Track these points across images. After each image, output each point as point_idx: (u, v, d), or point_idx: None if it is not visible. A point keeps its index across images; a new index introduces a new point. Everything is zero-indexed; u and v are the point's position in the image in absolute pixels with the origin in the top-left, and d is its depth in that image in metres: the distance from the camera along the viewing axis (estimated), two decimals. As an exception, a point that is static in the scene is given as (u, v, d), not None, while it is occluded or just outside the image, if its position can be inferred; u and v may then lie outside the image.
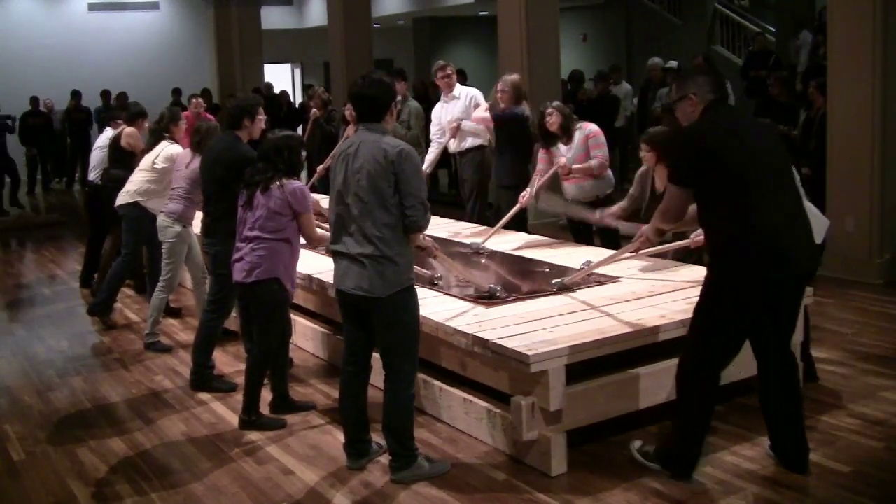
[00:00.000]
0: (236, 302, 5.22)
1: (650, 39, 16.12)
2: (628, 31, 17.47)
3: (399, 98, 8.12)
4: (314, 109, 9.23)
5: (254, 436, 4.52)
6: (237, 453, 4.35)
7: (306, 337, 5.85)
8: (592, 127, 6.21)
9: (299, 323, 5.86)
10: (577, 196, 6.23)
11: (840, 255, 7.18)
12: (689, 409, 3.81)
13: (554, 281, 4.90)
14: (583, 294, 4.76)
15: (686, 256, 5.26)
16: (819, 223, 4.92)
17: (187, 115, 8.25)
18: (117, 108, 9.93)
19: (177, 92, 15.85)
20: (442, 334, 4.30)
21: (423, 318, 4.26)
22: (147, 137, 6.88)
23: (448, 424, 4.48)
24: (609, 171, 6.28)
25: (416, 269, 4.91)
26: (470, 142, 7.55)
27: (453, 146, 7.70)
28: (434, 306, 4.60)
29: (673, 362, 3.92)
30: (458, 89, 7.77)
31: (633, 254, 4.78)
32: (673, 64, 11.37)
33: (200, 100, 11.04)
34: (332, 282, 4.04)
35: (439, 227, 6.81)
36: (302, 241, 4.62)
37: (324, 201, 5.05)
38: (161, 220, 5.90)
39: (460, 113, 7.60)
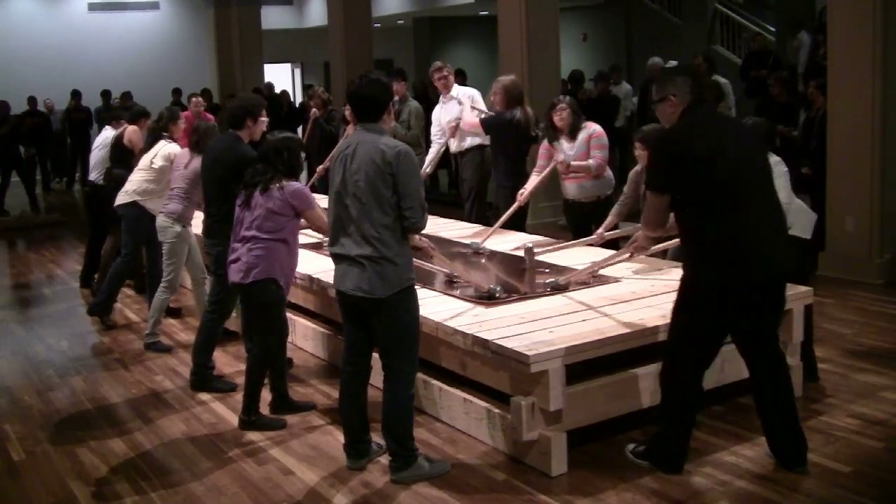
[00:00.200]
0: (237, 302, 5.22)
1: (650, 39, 16.11)
2: (628, 31, 17.47)
3: (398, 98, 8.14)
4: (314, 109, 9.23)
5: (254, 436, 4.52)
6: (237, 453, 4.35)
7: (306, 337, 5.85)
8: (597, 128, 6.21)
9: (299, 323, 5.87)
10: (578, 196, 6.24)
11: (840, 255, 7.18)
12: (672, 407, 3.86)
13: (547, 281, 4.90)
14: (583, 294, 4.76)
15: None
16: (806, 218, 4.95)
17: (187, 114, 8.25)
18: (118, 107, 9.92)
19: (177, 92, 15.85)
20: (442, 334, 4.31)
21: (423, 318, 4.27)
22: (146, 137, 6.88)
23: (448, 424, 4.48)
24: (609, 172, 6.29)
25: (432, 266, 4.95)
26: (469, 141, 7.54)
27: (454, 146, 7.71)
28: (434, 306, 4.60)
29: (673, 362, 3.93)
30: (456, 90, 7.78)
31: (629, 257, 4.79)
32: (673, 64, 11.36)
33: (200, 99, 11.04)
34: (332, 282, 4.04)
35: (439, 227, 6.81)
36: (301, 241, 4.62)
37: (323, 201, 5.05)
38: (161, 220, 5.90)
39: (458, 113, 7.61)
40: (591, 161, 6.08)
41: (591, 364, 4.04)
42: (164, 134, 6.51)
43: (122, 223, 6.62)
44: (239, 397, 4.81)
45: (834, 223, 7.23)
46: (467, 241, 6.19)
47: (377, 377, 4.03)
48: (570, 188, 6.25)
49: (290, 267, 4.59)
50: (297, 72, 23.70)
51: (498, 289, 4.75)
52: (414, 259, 3.96)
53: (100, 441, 4.60)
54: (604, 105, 11.33)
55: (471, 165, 7.56)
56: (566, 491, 3.79)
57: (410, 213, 3.73)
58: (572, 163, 6.07)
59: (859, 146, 7.04)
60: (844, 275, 7.06)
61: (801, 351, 4.77)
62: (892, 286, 6.95)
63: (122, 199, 6.53)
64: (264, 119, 5.10)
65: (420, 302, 3.99)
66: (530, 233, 6.80)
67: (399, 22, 20.81)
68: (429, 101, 11.08)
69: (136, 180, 6.48)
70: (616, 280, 5.02)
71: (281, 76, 21.58)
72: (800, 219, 4.92)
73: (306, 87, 19.44)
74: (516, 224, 6.60)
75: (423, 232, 4.00)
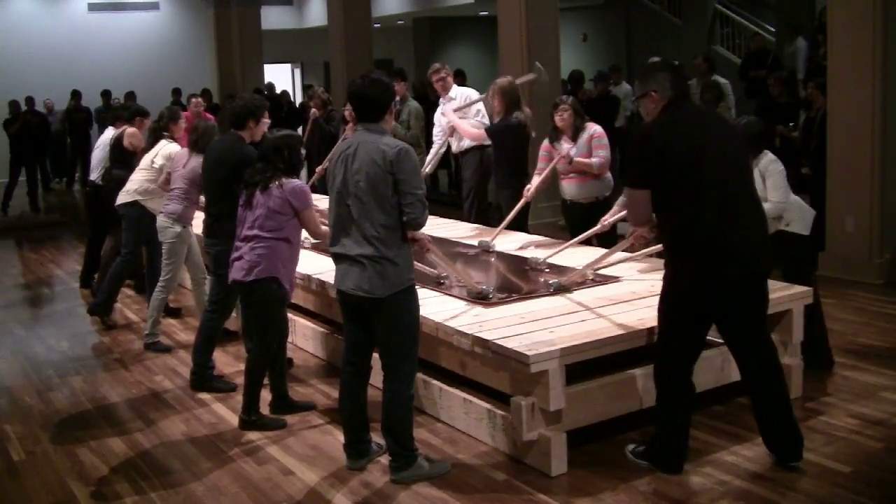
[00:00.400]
0: (237, 302, 5.22)
1: (650, 39, 16.12)
2: (628, 31, 17.46)
3: (398, 98, 8.13)
4: (314, 109, 9.23)
5: (254, 436, 4.52)
6: (237, 453, 4.35)
7: (306, 337, 5.85)
8: (597, 128, 6.21)
9: (299, 323, 5.87)
10: (577, 196, 6.23)
11: (840, 255, 7.18)
12: (666, 405, 3.89)
13: (551, 282, 4.90)
14: (583, 294, 4.76)
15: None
16: (804, 215, 4.96)
17: (187, 115, 8.25)
18: (118, 108, 9.91)
19: (177, 92, 15.85)
20: (442, 334, 4.30)
21: (423, 318, 4.27)
22: (147, 136, 6.88)
23: (448, 424, 4.48)
24: (609, 173, 6.28)
25: (422, 267, 4.94)
26: (468, 142, 7.54)
27: (454, 146, 7.73)
28: (434, 306, 4.60)
29: (673, 362, 3.93)
30: (455, 90, 7.78)
31: (628, 251, 4.79)
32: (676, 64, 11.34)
33: (200, 99, 11.04)
34: (332, 282, 4.04)
35: (439, 227, 6.81)
36: (304, 240, 4.62)
37: (323, 201, 5.04)
38: (161, 220, 5.90)
39: (454, 115, 7.62)
40: (594, 159, 6.07)
41: (591, 364, 4.05)
42: (165, 134, 6.52)
43: (123, 223, 6.63)
44: (239, 397, 4.81)
45: (834, 223, 7.23)
46: (472, 242, 6.18)
47: (377, 377, 4.02)
48: (569, 188, 6.24)
49: (292, 265, 4.59)
50: (297, 72, 23.70)
51: (491, 290, 4.75)
52: (413, 259, 3.96)
53: (100, 441, 4.60)
54: (604, 105, 11.34)
55: (471, 165, 7.56)
56: (566, 491, 3.79)
57: (411, 210, 3.74)
58: (576, 159, 6.06)
59: (859, 146, 7.04)
60: (844, 275, 7.06)
61: (811, 345, 4.78)
62: (892, 286, 6.95)
63: (122, 198, 6.53)
64: (266, 121, 5.10)
65: (420, 302, 3.99)
66: (531, 233, 6.79)
67: (399, 22, 20.81)
68: (428, 101, 11.08)
69: (138, 180, 6.48)
70: (616, 280, 5.02)
71: (281, 76, 21.58)
72: (798, 216, 4.93)
73: (306, 88, 19.43)
74: (518, 224, 6.60)
75: (425, 231, 4.00)
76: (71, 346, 6.41)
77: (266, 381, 4.68)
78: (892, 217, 7.09)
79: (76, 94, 16.22)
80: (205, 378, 5.25)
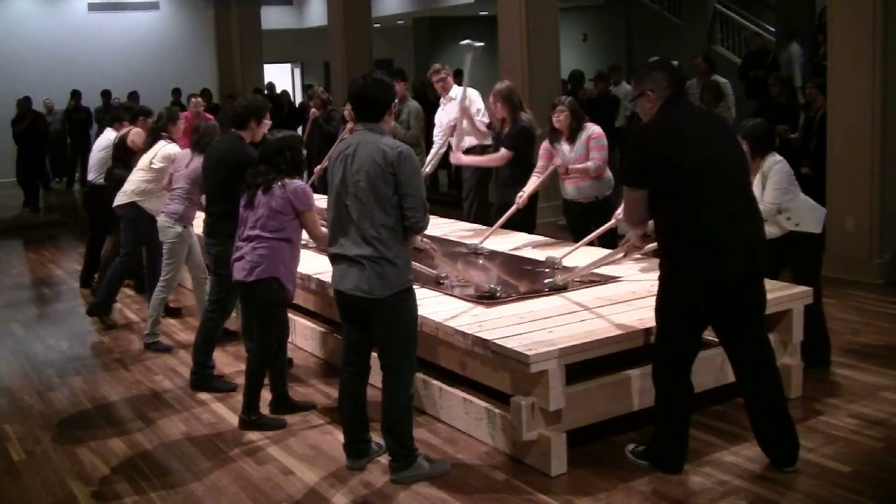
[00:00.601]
0: (237, 302, 5.22)
1: (650, 39, 16.12)
2: (628, 31, 17.46)
3: (398, 98, 8.13)
4: (314, 109, 9.23)
5: (254, 436, 4.52)
6: (237, 453, 4.35)
7: (306, 337, 5.85)
8: (596, 129, 6.20)
9: (299, 323, 5.87)
10: (576, 196, 6.24)
11: (840, 255, 7.18)
12: (665, 405, 3.89)
13: (546, 281, 4.90)
14: (583, 294, 4.76)
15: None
16: (815, 214, 4.95)
17: (186, 115, 8.25)
18: (118, 108, 9.90)
19: (176, 92, 15.85)
20: (442, 334, 4.30)
21: (423, 318, 4.27)
22: (146, 137, 6.87)
23: (448, 424, 4.48)
24: (608, 173, 6.28)
25: (422, 268, 4.94)
26: (469, 141, 7.54)
27: (456, 147, 7.72)
28: (434, 306, 4.60)
29: (673, 362, 3.93)
30: (455, 90, 7.78)
31: (623, 256, 4.80)
32: (673, 64, 11.32)
33: (199, 99, 11.04)
34: (331, 282, 4.03)
35: (439, 227, 6.81)
36: (304, 240, 4.62)
37: (323, 201, 5.04)
38: (162, 220, 5.90)
39: (457, 114, 7.61)
40: (589, 163, 6.07)
41: (590, 364, 4.05)
42: (164, 134, 6.51)
43: (121, 223, 6.63)
44: (239, 397, 4.81)
45: (834, 223, 7.23)
46: (467, 242, 6.19)
47: (377, 377, 4.02)
48: (570, 188, 6.25)
49: (294, 266, 4.59)
50: (297, 72, 23.70)
51: (499, 288, 4.75)
52: (413, 261, 3.96)
53: (100, 441, 4.60)
54: (604, 105, 11.33)
55: (471, 166, 7.55)
56: (566, 491, 3.79)
57: (412, 214, 3.74)
58: (571, 166, 6.07)
59: (859, 146, 7.04)
60: (844, 275, 7.06)
61: (812, 344, 4.78)
62: (892, 286, 6.95)
63: (120, 199, 6.53)
64: (268, 122, 5.10)
65: (420, 302, 3.99)
66: (530, 233, 6.79)
67: (399, 22, 20.82)
68: (428, 101, 11.08)
69: (135, 180, 6.48)
70: (616, 280, 5.02)
71: (281, 76, 21.58)
72: (807, 215, 4.92)
73: (306, 87, 19.43)
74: (526, 225, 6.61)
75: (425, 231, 4.00)
76: (71, 346, 6.41)
77: (266, 381, 4.68)
78: (892, 217, 7.09)
79: (76, 94, 16.22)
80: (205, 378, 5.25)
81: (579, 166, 6.06)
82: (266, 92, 16.33)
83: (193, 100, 10.82)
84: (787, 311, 4.56)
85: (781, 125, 8.65)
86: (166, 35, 19.65)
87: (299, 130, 13.12)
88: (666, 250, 3.79)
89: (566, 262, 5.35)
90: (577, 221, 6.30)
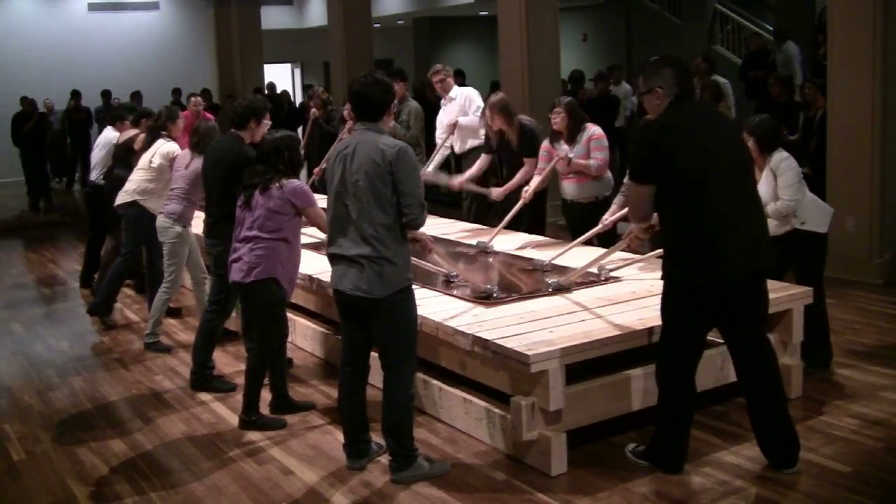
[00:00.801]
0: (237, 302, 5.22)
1: (650, 39, 16.12)
2: (628, 31, 17.46)
3: (397, 99, 8.13)
4: (314, 109, 9.23)
5: (254, 436, 4.52)
6: (237, 453, 4.35)
7: (306, 337, 5.85)
8: (596, 129, 6.19)
9: (299, 323, 5.87)
10: (576, 196, 6.24)
11: (840, 255, 7.17)
12: (667, 405, 3.89)
13: (550, 281, 4.90)
14: (583, 294, 4.76)
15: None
16: (821, 213, 4.95)
17: (186, 114, 8.24)
18: (118, 108, 9.89)
19: (176, 92, 15.84)
20: (442, 334, 4.30)
21: (422, 318, 4.27)
22: (145, 136, 6.87)
23: (448, 424, 4.48)
24: (608, 173, 6.28)
25: (432, 267, 4.95)
26: (471, 143, 7.55)
27: (456, 147, 7.74)
28: (434, 306, 4.60)
29: (673, 362, 3.92)
30: (455, 90, 7.78)
31: (626, 247, 4.80)
32: (682, 61, 11.28)
33: (199, 99, 11.02)
34: (330, 282, 4.03)
35: (439, 227, 6.81)
36: (303, 241, 4.62)
37: (322, 202, 5.04)
38: (161, 220, 5.90)
39: (457, 114, 7.63)
40: (591, 161, 6.07)
41: (590, 364, 4.04)
42: (163, 133, 6.51)
43: (122, 223, 6.62)
44: (239, 397, 4.81)
45: (834, 223, 7.18)
46: (471, 241, 6.19)
47: (377, 377, 4.03)
48: (569, 188, 6.25)
49: (292, 266, 4.59)
50: (297, 72, 23.70)
51: (495, 289, 4.75)
52: (412, 259, 3.96)
53: (100, 441, 4.60)
54: (604, 105, 11.34)
55: (471, 166, 7.55)
56: (566, 491, 3.79)
57: (409, 211, 3.75)
58: (574, 160, 6.06)
59: (859, 146, 7.03)
60: (844, 275, 7.06)
61: (812, 344, 4.78)
62: (892, 286, 6.95)
63: (121, 198, 6.53)
64: (268, 122, 5.10)
65: (420, 302, 4.00)
66: (530, 233, 6.79)
67: (399, 22, 20.82)
68: (428, 101, 11.07)
69: (136, 180, 6.48)
70: (616, 280, 5.02)
71: (281, 76, 21.58)
72: (814, 213, 4.92)
73: (306, 87, 19.43)
74: (535, 225, 6.63)
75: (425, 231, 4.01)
76: (71, 346, 6.41)
77: (266, 381, 4.68)
78: (892, 217, 7.09)
79: (76, 94, 16.22)
80: (205, 378, 5.25)
81: (581, 161, 6.06)
82: (266, 92, 16.32)
83: (193, 99, 10.80)
84: (787, 311, 4.56)
85: (781, 125, 8.65)
86: (166, 35, 19.65)
87: (299, 130, 13.15)
88: (671, 250, 3.78)
89: (561, 262, 5.35)
90: (576, 221, 6.30)
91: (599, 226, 5.49)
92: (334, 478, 4.02)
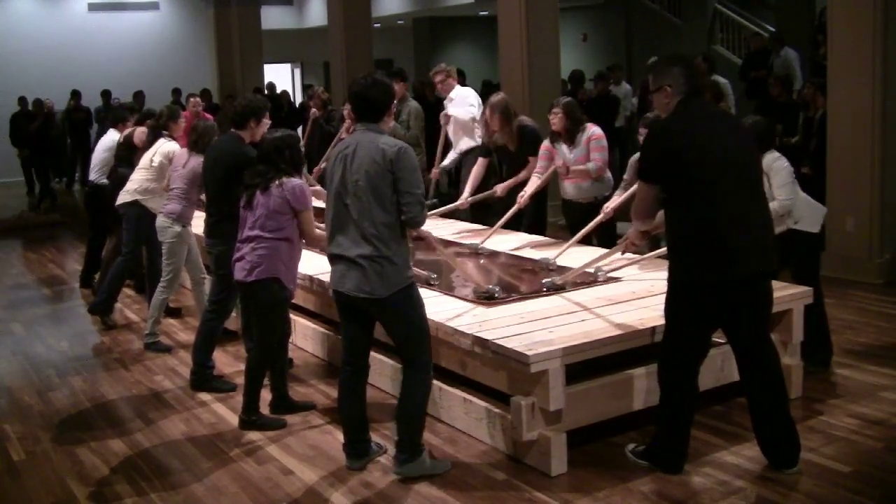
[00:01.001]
0: (237, 302, 5.22)
1: (650, 39, 16.12)
2: (628, 31, 17.47)
3: (397, 99, 8.14)
4: (314, 109, 9.23)
5: (254, 436, 4.52)
6: (237, 453, 4.35)
7: (306, 337, 5.85)
8: (596, 129, 6.19)
9: (299, 323, 5.87)
10: (576, 196, 6.24)
11: (840, 255, 7.18)
12: (668, 405, 3.88)
13: (544, 281, 4.90)
14: (583, 294, 4.76)
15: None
16: (814, 212, 4.95)
17: (186, 114, 8.23)
18: (118, 108, 9.88)
19: (176, 92, 15.83)
20: (442, 334, 4.30)
21: (423, 318, 4.27)
22: (147, 135, 6.87)
23: (448, 424, 4.48)
24: (608, 174, 6.28)
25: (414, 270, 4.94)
26: (465, 144, 7.57)
27: (453, 148, 7.76)
28: (434, 306, 4.59)
29: (673, 362, 3.92)
30: (455, 91, 7.79)
31: (622, 254, 4.81)
32: (693, 60, 11.27)
33: (198, 99, 11.02)
34: (330, 282, 4.03)
35: (439, 226, 6.80)
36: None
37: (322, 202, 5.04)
38: (160, 220, 5.90)
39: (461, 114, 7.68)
40: (590, 164, 6.07)
41: (590, 364, 4.04)
42: (164, 132, 6.52)
43: (123, 222, 6.63)
44: (239, 397, 4.81)
45: (834, 223, 7.23)
46: (467, 242, 6.20)
47: (376, 377, 4.03)
48: (569, 188, 6.25)
49: (294, 265, 4.59)
50: (297, 72, 23.70)
51: (497, 289, 4.75)
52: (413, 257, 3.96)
53: (100, 441, 4.60)
54: (604, 105, 11.33)
55: (468, 167, 7.57)
56: (566, 491, 3.79)
57: (409, 209, 3.76)
58: (572, 167, 6.07)
59: (859, 146, 7.04)
60: (844, 275, 7.06)
61: (812, 344, 4.78)
62: (892, 286, 6.95)
63: (123, 198, 6.53)
64: (267, 122, 5.10)
65: (420, 300, 3.99)
66: (530, 233, 6.79)
67: (399, 22, 20.82)
68: (427, 101, 11.08)
69: (137, 179, 6.48)
70: (616, 280, 5.02)
71: (281, 76, 21.58)
72: (807, 213, 4.92)
73: (306, 87, 19.43)
74: (536, 226, 6.63)
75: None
76: (71, 346, 6.41)
77: (266, 381, 4.68)
78: (892, 217, 7.09)
79: (76, 94, 16.22)
80: (205, 378, 5.25)
81: (580, 167, 6.07)
82: (266, 92, 16.31)
83: (192, 99, 10.80)
84: (787, 311, 4.56)
85: (780, 125, 8.65)
86: (166, 35, 19.64)
87: (299, 130, 13.14)
88: (677, 250, 3.76)
89: (560, 262, 5.35)
90: (576, 221, 6.30)
91: (601, 215, 5.52)
92: (334, 478, 4.02)
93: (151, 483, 4.08)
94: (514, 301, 4.67)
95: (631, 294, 4.71)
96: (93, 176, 7.81)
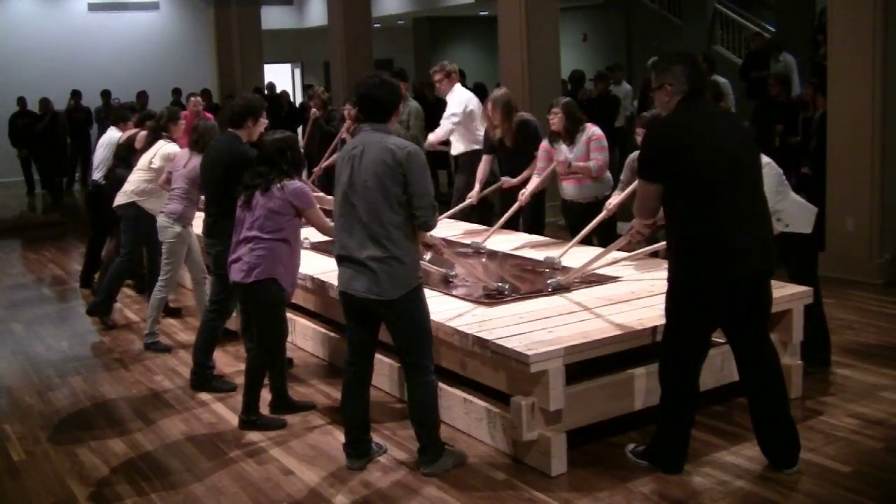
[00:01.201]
0: (237, 302, 5.22)
1: (650, 39, 16.12)
2: (628, 31, 17.47)
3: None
4: (314, 110, 9.24)
5: (254, 436, 4.52)
6: (237, 453, 4.35)
7: (306, 337, 5.85)
8: (595, 130, 6.19)
9: (299, 323, 5.87)
10: (576, 196, 6.24)
11: (840, 255, 7.18)
12: (669, 405, 3.88)
13: (549, 281, 4.90)
14: (582, 294, 4.76)
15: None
16: (804, 214, 4.94)
17: (186, 114, 8.23)
18: (118, 107, 9.88)
19: (176, 92, 15.83)
20: (442, 334, 4.30)
21: (423, 318, 4.27)
22: (146, 136, 6.87)
23: (448, 424, 4.47)
24: (608, 174, 6.28)
25: (429, 266, 4.96)
26: (465, 145, 7.58)
27: (453, 150, 7.77)
28: (434, 306, 4.57)
29: (673, 362, 3.92)
30: (451, 94, 7.77)
31: (625, 250, 4.80)
32: (696, 58, 11.24)
33: (199, 99, 11.01)
34: (332, 282, 4.04)
35: (439, 227, 6.77)
36: (312, 241, 4.62)
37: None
38: (161, 220, 5.90)
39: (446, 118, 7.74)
40: (591, 163, 6.07)
41: (590, 364, 4.04)
42: (164, 134, 6.51)
43: (121, 223, 6.63)
44: (239, 397, 4.81)
45: (834, 223, 7.23)
46: (468, 241, 6.20)
47: (379, 378, 4.03)
48: (569, 189, 6.25)
49: (293, 266, 4.59)
50: (297, 72, 23.70)
51: (506, 287, 4.75)
52: (421, 260, 3.96)
53: (100, 441, 4.60)
54: (604, 105, 11.34)
55: (463, 169, 7.58)
56: (566, 491, 3.79)
57: (421, 213, 3.76)
58: (573, 163, 6.07)
59: (859, 146, 7.03)
60: (844, 275, 7.06)
61: (812, 344, 4.78)
62: (892, 286, 6.95)
63: (120, 199, 6.53)
64: (264, 121, 5.11)
65: (421, 300, 3.99)
66: (530, 232, 6.80)
67: (399, 22, 20.82)
68: (427, 101, 11.08)
69: (135, 180, 6.48)
70: (615, 280, 5.02)
71: (281, 76, 21.57)
72: (796, 216, 4.91)
73: (306, 87, 19.43)
74: (535, 225, 6.63)
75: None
76: (71, 346, 6.41)
77: (266, 381, 4.68)
78: (892, 217, 7.09)
79: (76, 94, 16.22)
80: (205, 378, 5.25)
81: (581, 164, 6.06)
82: (266, 92, 16.31)
83: (193, 99, 10.78)
84: (787, 311, 4.56)
85: (780, 125, 8.66)
86: (166, 35, 19.63)
87: (299, 130, 13.15)
88: (677, 250, 3.76)
89: (564, 262, 5.35)
90: (576, 222, 6.30)
91: (604, 212, 5.51)
92: (334, 478, 4.02)
93: (151, 483, 4.08)
94: (514, 301, 4.67)
95: (631, 294, 4.71)
96: (95, 175, 7.80)
